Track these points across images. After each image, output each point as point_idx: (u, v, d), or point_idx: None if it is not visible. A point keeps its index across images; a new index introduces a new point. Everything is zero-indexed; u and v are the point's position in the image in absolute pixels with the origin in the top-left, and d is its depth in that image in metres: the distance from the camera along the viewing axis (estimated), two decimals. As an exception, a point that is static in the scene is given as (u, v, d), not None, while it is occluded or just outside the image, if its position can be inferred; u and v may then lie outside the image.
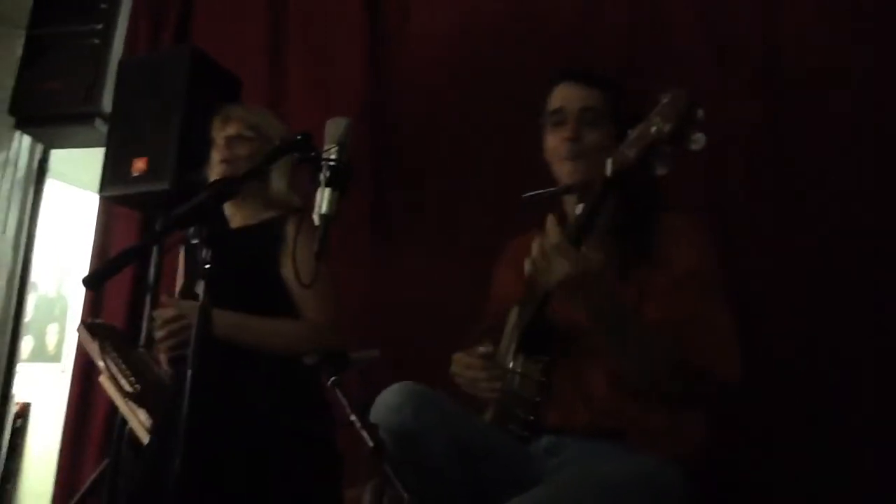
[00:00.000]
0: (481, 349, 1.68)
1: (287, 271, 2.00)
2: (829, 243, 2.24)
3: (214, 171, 2.21)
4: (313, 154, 1.55)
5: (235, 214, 2.23)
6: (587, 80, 1.74)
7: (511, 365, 1.63)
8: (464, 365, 1.69)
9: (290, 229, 2.05)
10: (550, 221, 1.41)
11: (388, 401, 1.43)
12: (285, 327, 2.05)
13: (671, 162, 1.30)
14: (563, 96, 1.74)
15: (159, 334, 2.01)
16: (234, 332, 1.97)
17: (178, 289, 2.33)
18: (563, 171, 1.70)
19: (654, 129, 1.28)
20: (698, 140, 1.25)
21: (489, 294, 1.96)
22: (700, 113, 1.25)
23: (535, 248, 1.40)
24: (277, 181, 2.19)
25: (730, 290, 1.58)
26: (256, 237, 2.13)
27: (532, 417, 1.60)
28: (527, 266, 1.42)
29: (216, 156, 2.21)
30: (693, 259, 1.57)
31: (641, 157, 1.31)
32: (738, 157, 2.37)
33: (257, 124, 2.24)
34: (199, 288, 1.37)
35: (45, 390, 4.25)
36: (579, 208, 1.45)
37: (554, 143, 1.73)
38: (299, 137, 1.57)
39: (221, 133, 2.22)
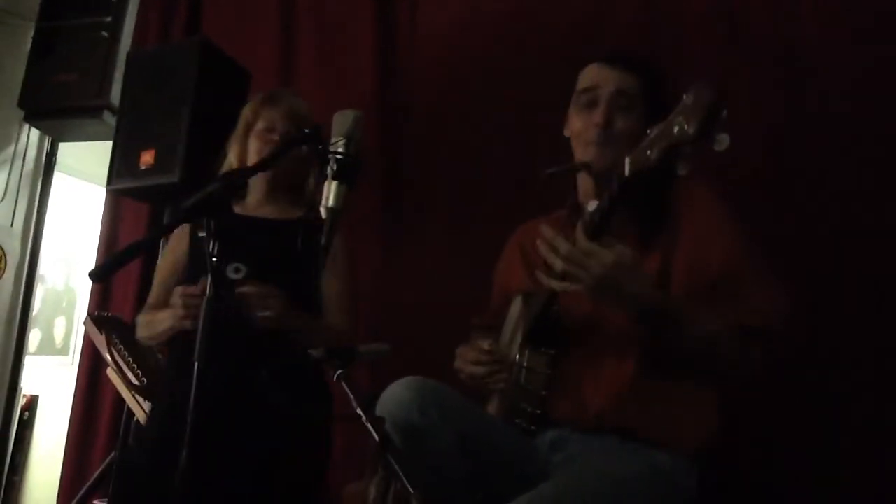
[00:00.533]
0: (484, 345, 1.67)
1: (327, 275, 2.01)
2: (829, 243, 2.24)
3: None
4: (321, 147, 1.53)
5: (262, 204, 2.16)
6: (624, 64, 1.66)
7: (517, 358, 1.61)
8: (466, 359, 1.71)
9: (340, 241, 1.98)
10: (548, 232, 1.40)
11: (395, 395, 1.43)
12: (324, 331, 2.03)
13: (692, 161, 1.25)
14: (597, 77, 1.66)
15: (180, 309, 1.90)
16: (305, 333, 1.95)
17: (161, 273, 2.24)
18: (588, 154, 1.64)
19: (676, 129, 1.22)
20: (722, 140, 1.19)
21: (495, 275, 1.96)
22: (724, 112, 1.19)
23: (557, 262, 1.38)
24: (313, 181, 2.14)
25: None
26: (293, 233, 2.04)
27: (539, 411, 1.58)
28: (556, 283, 1.40)
29: (263, 145, 2.12)
30: (713, 217, 1.58)
31: (662, 159, 1.26)
32: (738, 157, 2.36)
33: (305, 117, 2.16)
34: (231, 273, 1.36)
35: (52, 383, 4.27)
36: (592, 205, 1.40)
37: (582, 125, 1.66)
38: (307, 130, 1.57)
39: (272, 122, 2.14)
